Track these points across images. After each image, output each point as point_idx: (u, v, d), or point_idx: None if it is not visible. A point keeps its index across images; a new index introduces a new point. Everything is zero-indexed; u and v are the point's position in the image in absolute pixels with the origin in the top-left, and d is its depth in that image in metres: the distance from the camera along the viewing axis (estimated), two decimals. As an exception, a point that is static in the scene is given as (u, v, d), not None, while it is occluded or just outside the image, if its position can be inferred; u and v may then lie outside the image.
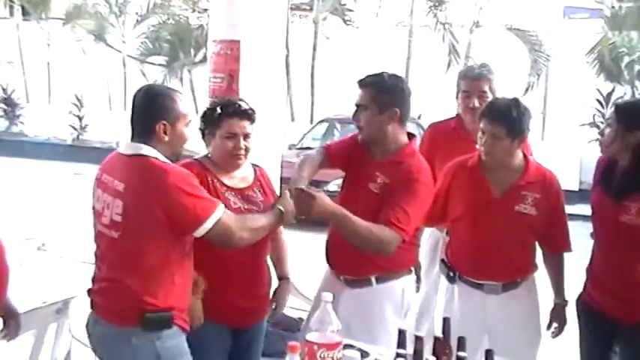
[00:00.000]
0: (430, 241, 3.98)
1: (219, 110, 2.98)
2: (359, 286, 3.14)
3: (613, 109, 3.14)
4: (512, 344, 3.12)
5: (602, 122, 13.08)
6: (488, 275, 3.27)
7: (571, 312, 3.36)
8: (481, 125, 3.21)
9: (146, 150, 2.65)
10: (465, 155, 3.41)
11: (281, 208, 2.87)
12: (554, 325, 3.38)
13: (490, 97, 3.69)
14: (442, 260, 3.48)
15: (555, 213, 3.28)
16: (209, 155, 3.04)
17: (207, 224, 2.61)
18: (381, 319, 3.13)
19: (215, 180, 2.95)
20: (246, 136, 2.97)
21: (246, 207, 2.96)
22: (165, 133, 2.67)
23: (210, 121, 3.00)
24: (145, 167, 2.63)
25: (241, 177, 3.04)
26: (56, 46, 17.24)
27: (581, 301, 3.27)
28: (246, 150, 2.98)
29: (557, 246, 3.34)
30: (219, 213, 2.63)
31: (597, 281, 3.19)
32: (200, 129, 3.05)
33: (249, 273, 2.96)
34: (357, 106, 3.13)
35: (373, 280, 3.14)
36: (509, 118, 3.14)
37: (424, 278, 3.71)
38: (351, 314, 2.97)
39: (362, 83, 3.14)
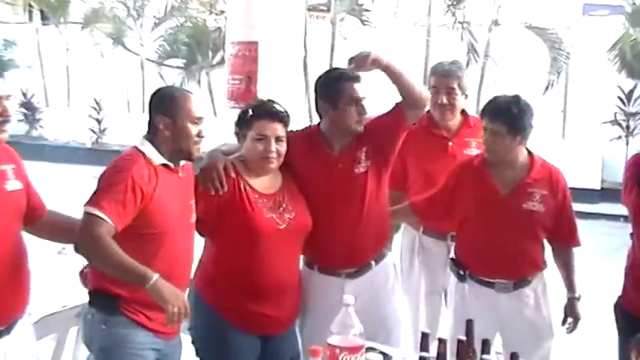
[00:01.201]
0: (406, 240, 3.92)
1: (250, 112, 2.98)
2: (361, 274, 3.18)
3: None
4: (524, 342, 3.13)
5: (624, 120, 12.95)
6: (499, 273, 3.28)
7: (584, 308, 3.36)
8: (483, 123, 3.26)
9: (144, 147, 2.73)
10: (474, 155, 3.50)
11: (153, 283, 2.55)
12: (569, 320, 3.37)
13: (459, 95, 3.70)
14: (452, 259, 3.48)
15: (562, 209, 3.30)
16: (241, 156, 3.02)
17: (88, 208, 2.62)
18: (387, 294, 3.23)
19: (247, 187, 2.93)
20: (278, 139, 2.93)
21: (277, 216, 2.93)
22: (166, 128, 2.72)
23: (243, 123, 3.01)
24: (120, 155, 2.75)
25: (271, 181, 3.02)
26: (75, 50, 17.32)
27: (619, 306, 3.23)
28: (279, 154, 2.95)
29: (565, 241, 3.36)
30: (103, 216, 2.58)
31: (638, 285, 3.14)
32: (235, 132, 3.07)
33: (281, 284, 2.95)
34: (363, 98, 3.15)
35: (373, 263, 3.20)
36: (509, 116, 3.16)
37: (406, 279, 3.69)
38: (359, 304, 2.97)
39: (358, 78, 3.16)
